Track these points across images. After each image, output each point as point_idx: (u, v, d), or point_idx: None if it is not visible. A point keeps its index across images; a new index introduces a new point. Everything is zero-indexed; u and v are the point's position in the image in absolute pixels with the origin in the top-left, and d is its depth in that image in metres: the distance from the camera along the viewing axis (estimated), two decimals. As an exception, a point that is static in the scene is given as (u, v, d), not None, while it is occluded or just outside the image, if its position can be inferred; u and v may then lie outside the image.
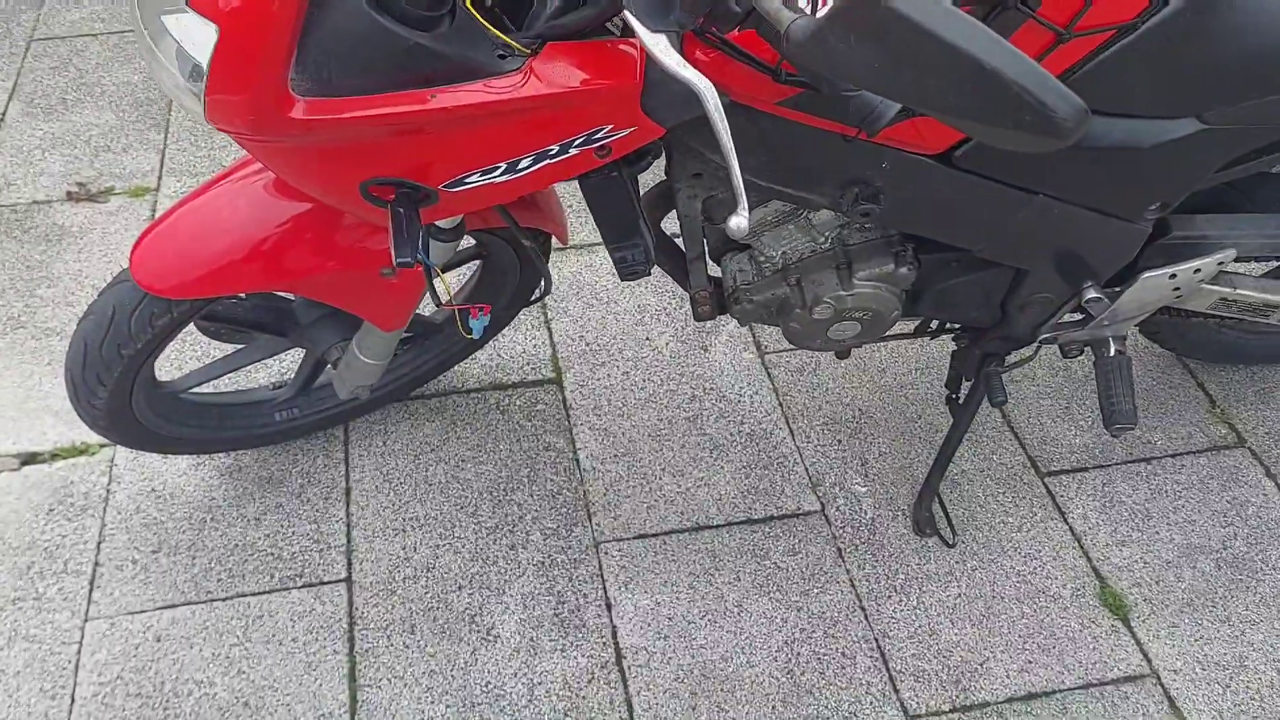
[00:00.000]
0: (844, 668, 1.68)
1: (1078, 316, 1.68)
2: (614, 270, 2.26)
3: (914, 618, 1.74)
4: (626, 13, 0.98)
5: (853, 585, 1.78)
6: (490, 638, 1.70)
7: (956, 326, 1.77)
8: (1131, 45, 1.22)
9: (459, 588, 1.76)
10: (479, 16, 1.03)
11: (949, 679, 1.67)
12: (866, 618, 1.74)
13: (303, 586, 1.76)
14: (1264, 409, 2.06)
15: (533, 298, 1.81)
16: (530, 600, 1.75)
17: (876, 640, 1.71)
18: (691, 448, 1.98)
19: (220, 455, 1.92)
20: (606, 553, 1.82)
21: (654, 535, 1.84)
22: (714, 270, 1.62)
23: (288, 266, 1.36)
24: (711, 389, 2.08)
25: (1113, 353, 1.68)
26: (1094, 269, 1.55)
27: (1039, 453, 1.99)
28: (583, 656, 1.68)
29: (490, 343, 2.13)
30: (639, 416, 2.03)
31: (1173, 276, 1.56)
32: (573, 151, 1.14)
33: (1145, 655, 1.70)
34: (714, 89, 0.98)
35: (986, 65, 0.77)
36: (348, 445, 1.96)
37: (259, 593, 1.74)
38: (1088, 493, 1.92)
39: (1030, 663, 1.69)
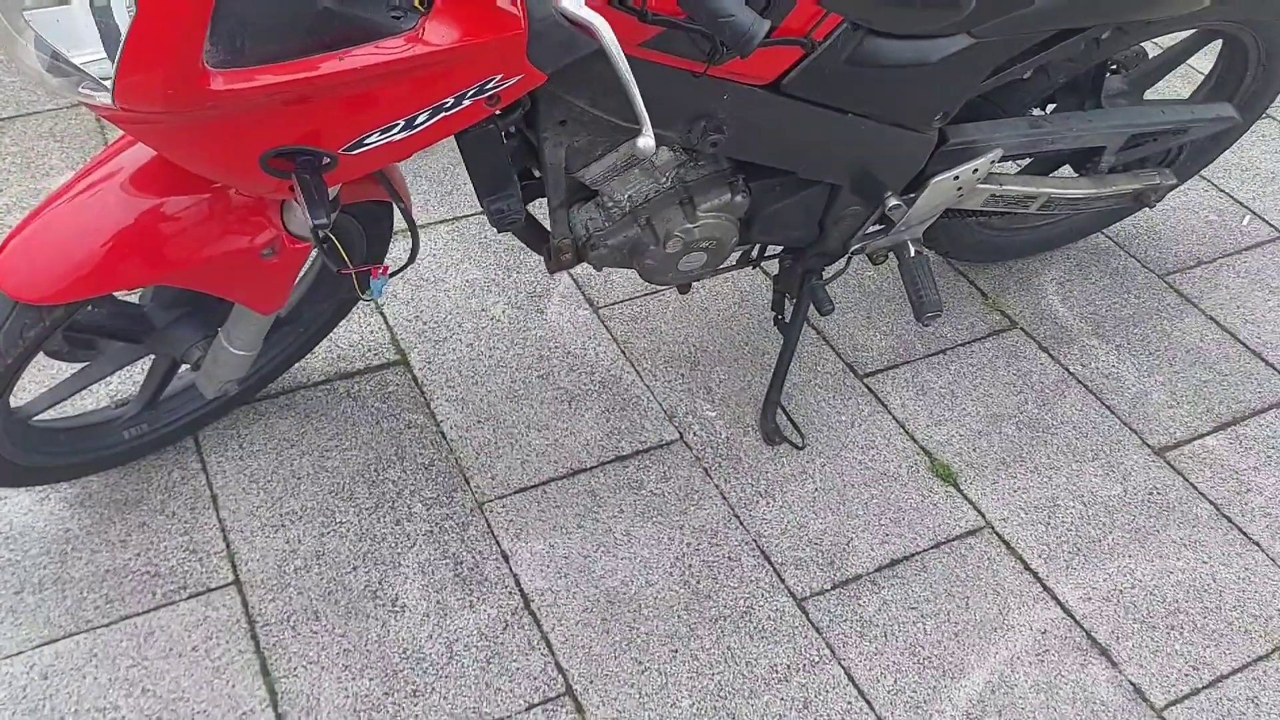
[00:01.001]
0: (733, 570, 1.83)
1: (879, 227, 1.90)
2: (434, 250, 2.32)
3: (782, 516, 1.92)
4: (524, -41, 1.07)
5: (724, 497, 1.94)
6: (397, 608, 1.74)
7: (776, 251, 1.95)
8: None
9: (353, 568, 1.78)
10: (380, -22, 1.09)
11: (824, 561, 1.85)
12: (742, 523, 1.90)
13: (190, 597, 1.72)
14: (1025, 295, 2.39)
15: (408, 262, 1.83)
16: (428, 566, 1.79)
17: (755, 541, 1.88)
18: (550, 402, 2.07)
19: (64, 486, 1.83)
20: (491, 510, 1.88)
21: (533, 487, 1.93)
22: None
23: (170, 256, 1.34)
24: (556, 347, 2.18)
25: (913, 253, 1.92)
26: (894, 179, 1.77)
27: (853, 359, 2.22)
28: (491, 608, 1.75)
29: (325, 336, 2.13)
30: (492, 382, 2.10)
31: (956, 178, 1.80)
32: (466, 103, 1.21)
33: (979, 511, 1.95)
34: (608, 24, 1.09)
35: None
36: (202, 453, 1.92)
37: (144, 611, 1.69)
38: (901, 386, 2.17)
39: (887, 535, 1.90)
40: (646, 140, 1.14)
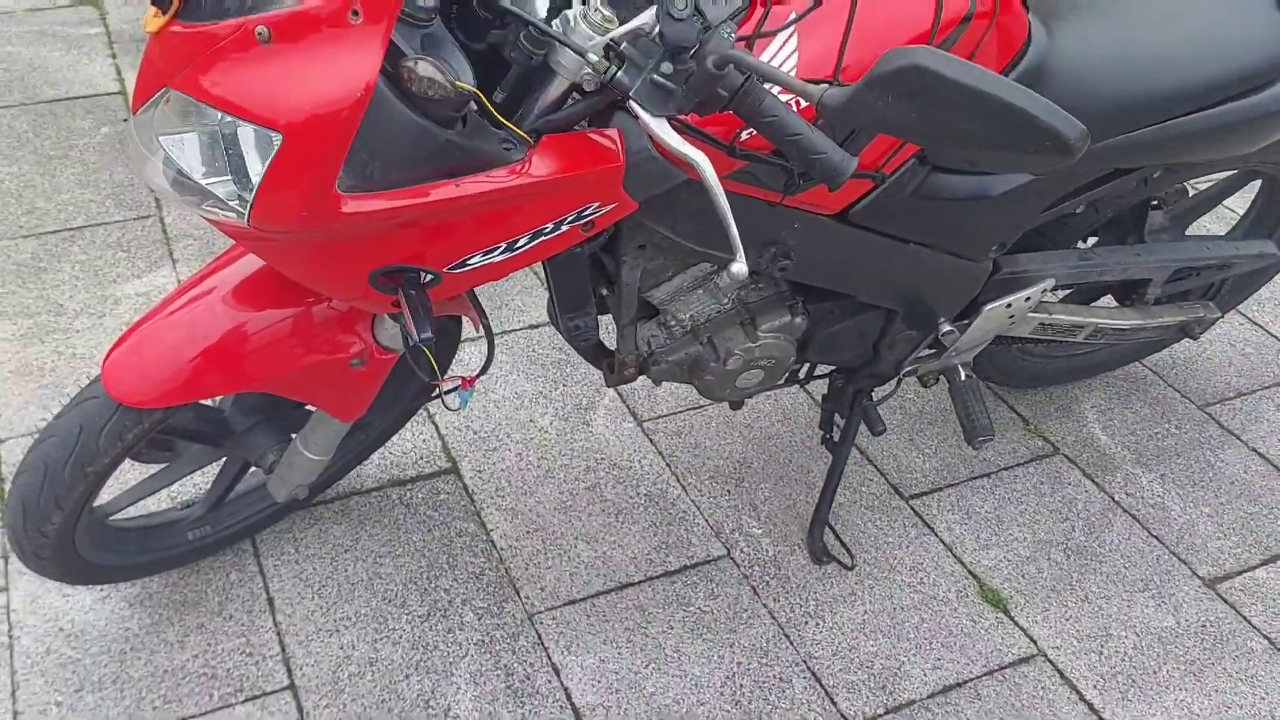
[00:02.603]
0: (784, 690, 1.82)
1: (931, 351, 1.95)
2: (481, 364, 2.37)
3: (833, 637, 1.91)
4: (632, 101, 1.14)
5: (772, 616, 1.94)
6: (450, 719, 1.73)
7: (825, 371, 2.00)
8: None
9: (406, 676, 1.78)
10: (495, 113, 1.15)
11: (876, 685, 1.85)
12: (791, 643, 1.90)
13: (246, 700, 1.72)
14: (1066, 421, 2.42)
15: (481, 372, 1.88)
16: (480, 677, 1.79)
17: (805, 662, 1.87)
18: (597, 514, 2.09)
19: (124, 585, 1.85)
20: (541, 622, 1.89)
21: (582, 599, 1.93)
22: (610, 342, 1.76)
23: (268, 365, 1.39)
24: (602, 459, 2.21)
25: (964, 377, 1.96)
26: (948, 306, 1.82)
27: (898, 480, 2.24)
28: (543, 721, 1.74)
29: (384, 443, 2.17)
30: (541, 493, 2.12)
31: (1009, 306, 1.85)
32: (564, 228, 1.27)
33: (1030, 638, 1.95)
34: (708, 159, 1.15)
35: (1013, 104, 0.98)
36: (259, 557, 1.94)
37: (201, 714, 1.69)
38: (947, 509, 2.19)
39: (939, 660, 1.90)
40: (740, 267, 1.19)
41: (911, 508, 2.18)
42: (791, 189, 1.42)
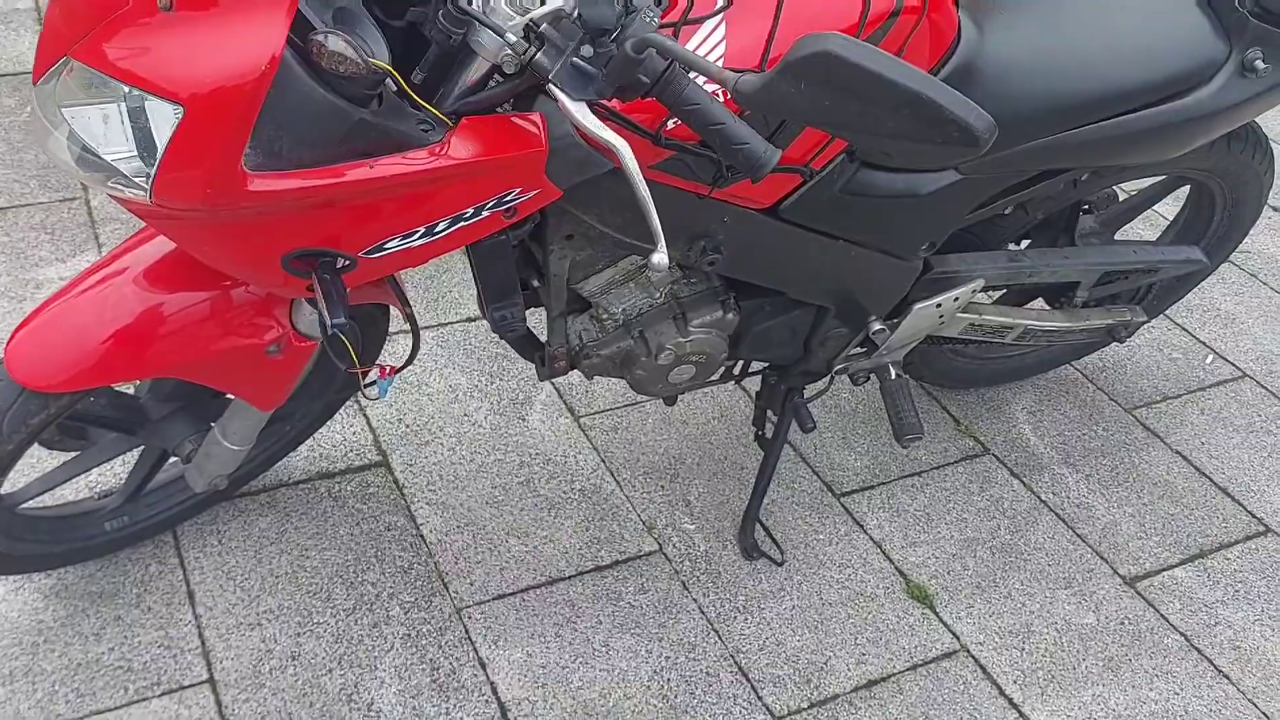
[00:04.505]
0: (711, 685, 1.82)
1: (862, 349, 1.96)
2: (422, 355, 2.34)
3: (760, 632, 1.92)
4: (552, 85, 1.13)
5: (702, 611, 1.94)
6: (372, 713, 1.71)
7: (759, 368, 2.00)
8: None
9: (329, 670, 1.76)
10: (412, 93, 1.14)
11: (801, 679, 1.85)
12: (720, 638, 1.90)
13: (163, 694, 1.68)
14: (997, 422, 2.45)
15: (402, 365, 1.86)
16: (404, 671, 1.77)
17: (733, 656, 1.87)
18: (529, 509, 2.08)
19: (39, 576, 1.81)
20: (470, 617, 1.87)
21: (512, 594, 1.92)
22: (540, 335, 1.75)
23: (179, 350, 1.36)
24: (537, 454, 2.19)
25: (894, 376, 1.98)
26: (879, 304, 1.83)
27: (830, 478, 2.25)
28: (468, 716, 1.72)
29: (311, 434, 2.14)
30: (473, 487, 2.10)
31: (938, 305, 1.87)
32: (484, 214, 1.26)
33: (954, 634, 1.97)
34: (629, 147, 1.14)
35: (923, 94, 0.99)
36: (180, 549, 1.90)
37: (116, 707, 1.65)
38: (877, 506, 2.20)
39: (864, 655, 1.91)
40: (660, 257, 1.18)
41: (843, 505, 2.20)
42: (720, 181, 1.42)
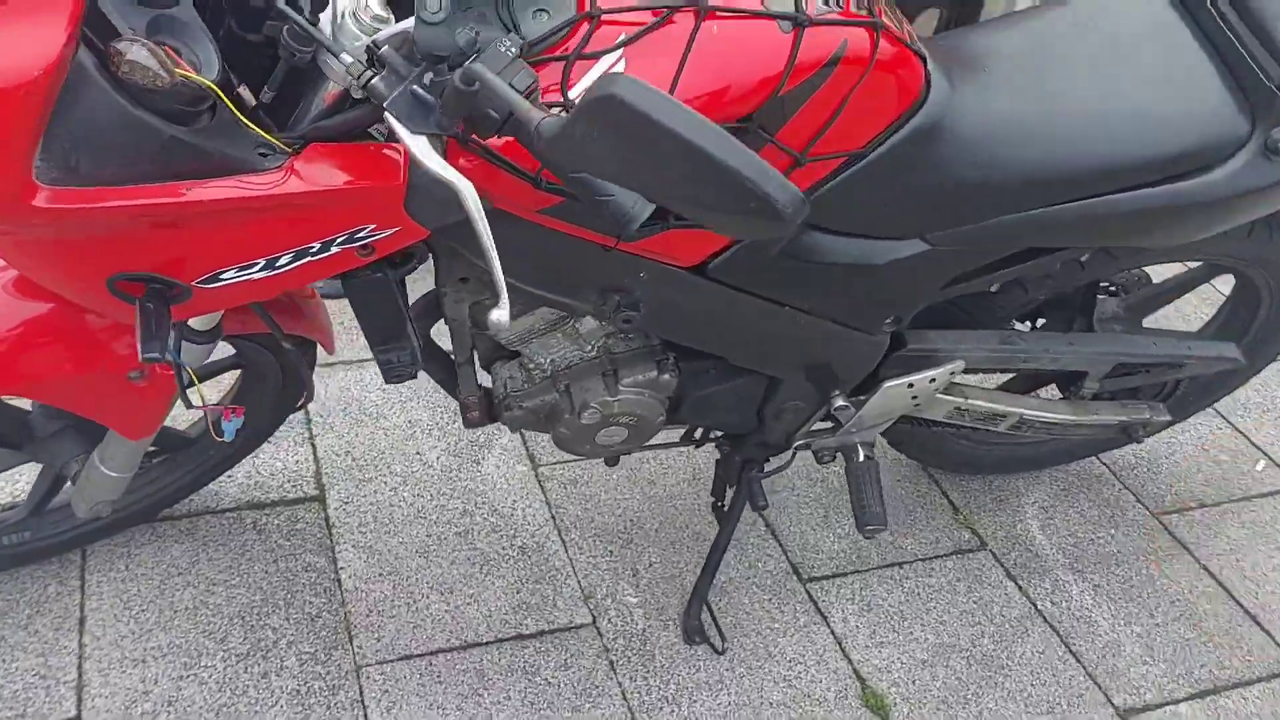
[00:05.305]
0: (615, 784, 1.65)
1: (829, 424, 1.77)
2: (384, 385, 2.23)
3: (684, 728, 1.74)
4: (388, 114, 0.99)
5: (625, 698, 1.76)
6: (237, 774, 1.58)
7: (719, 434, 1.83)
8: (861, 171, 1.33)
9: (204, 721, 1.64)
10: (238, 112, 1.02)
11: (719, 789, 1.67)
12: (637, 731, 1.72)
13: (21, 728, 1.58)
14: (1000, 514, 2.22)
15: (297, 405, 1.75)
16: (284, 731, 1.64)
17: (647, 754, 1.70)
18: (461, 563, 1.93)
19: (-69, 586, 1.73)
20: (368, 677, 1.73)
21: (419, 656, 1.78)
22: (487, 380, 1.63)
23: (26, 370, 1.27)
24: (484, 503, 2.05)
25: (862, 458, 1.78)
26: (840, 378, 1.64)
27: (800, 559, 2.05)
28: (340, 789, 1.58)
29: (250, 460, 2.03)
30: (406, 533, 1.97)
31: (910, 386, 1.67)
32: (334, 250, 1.13)
33: (903, 754, 1.75)
34: (473, 189, 1.00)
35: (716, 157, 0.82)
36: (84, 571, 1.81)
37: (-32, 738, 1.56)
38: (847, 597, 2.00)
39: (796, 767, 1.71)
40: (500, 314, 1.03)
41: (807, 591, 2.00)
42: (624, 229, 1.25)
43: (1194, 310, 2.71)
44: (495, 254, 1.02)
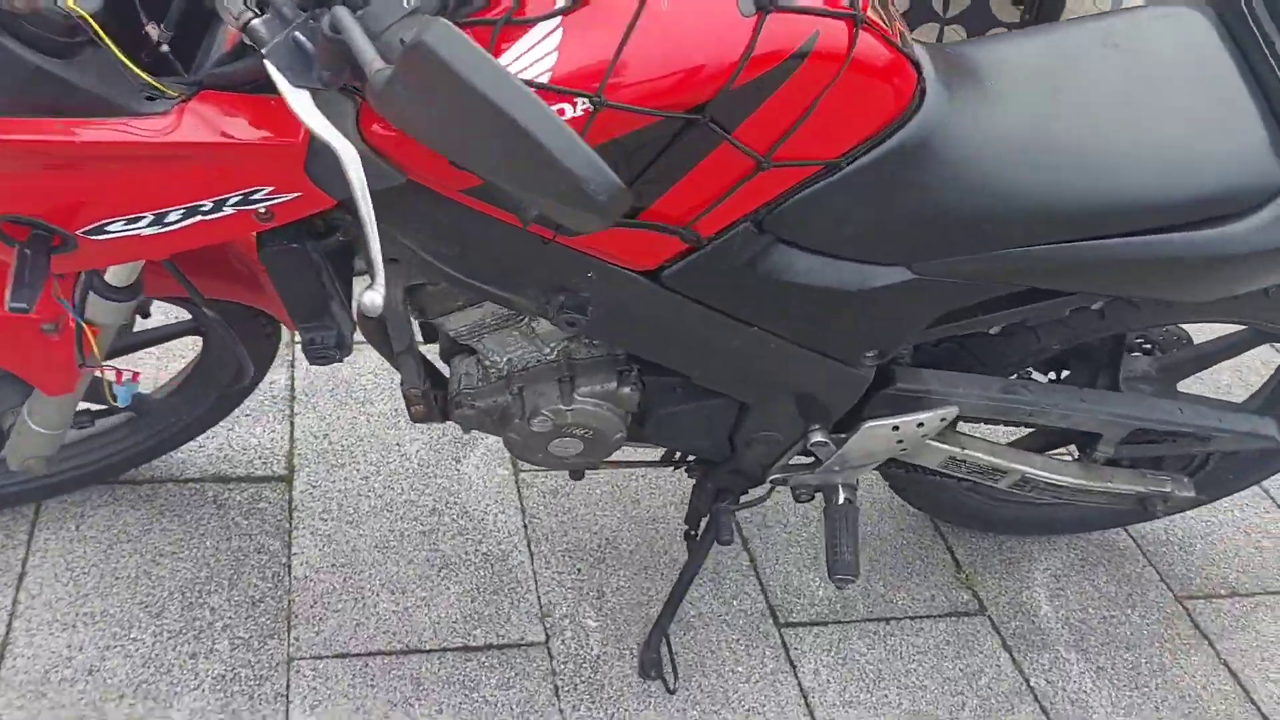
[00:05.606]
0: (531, 817, 1.55)
1: (809, 460, 1.64)
2: (376, 370, 2.16)
3: (618, 767, 1.62)
4: (267, 62, 0.91)
5: (560, 726, 1.66)
6: (141, 756, 1.52)
7: (692, 458, 1.71)
8: (839, 184, 1.21)
9: (120, 696, 1.58)
10: (115, 49, 0.94)
11: (642, 837, 1.55)
12: (567, 763, 1.62)
13: (-66, 680, 1.54)
14: (1007, 578, 2.06)
15: (234, 385, 1.68)
16: (199, 718, 1.57)
17: (573, 789, 1.59)
18: (419, 564, 1.85)
19: (-121, 525, 1.71)
20: (298, 670, 1.66)
21: (356, 655, 1.70)
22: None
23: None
24: (455, 503, 1.97)
25: (841, 500, 1.65)
26: (818, 411, 1.52)
27: (780, 601, 1.93)
28: (243, 784, 1.51)
29: (225, 431, 1.99)
30: (369, 525, 1.89)
31: (895, 428, 1.54)
32: (227, 210, 1.05)
33: (851, 824, 1.62)
34: (356, 153, 0.91)
35: (522, 126, 0.72)
36: (34, 526, 1.78)
37: (-122, 683, 1.52)
38: (822, 647, 1.86)
39: (731, 825, 1.58)
40: (372, 296, 0.94)
41: (781, 636, 1.87)
42: (522, 215, 1.15)
43: (1259, 380, 2.50)
44: (373, 225, 0.92)
